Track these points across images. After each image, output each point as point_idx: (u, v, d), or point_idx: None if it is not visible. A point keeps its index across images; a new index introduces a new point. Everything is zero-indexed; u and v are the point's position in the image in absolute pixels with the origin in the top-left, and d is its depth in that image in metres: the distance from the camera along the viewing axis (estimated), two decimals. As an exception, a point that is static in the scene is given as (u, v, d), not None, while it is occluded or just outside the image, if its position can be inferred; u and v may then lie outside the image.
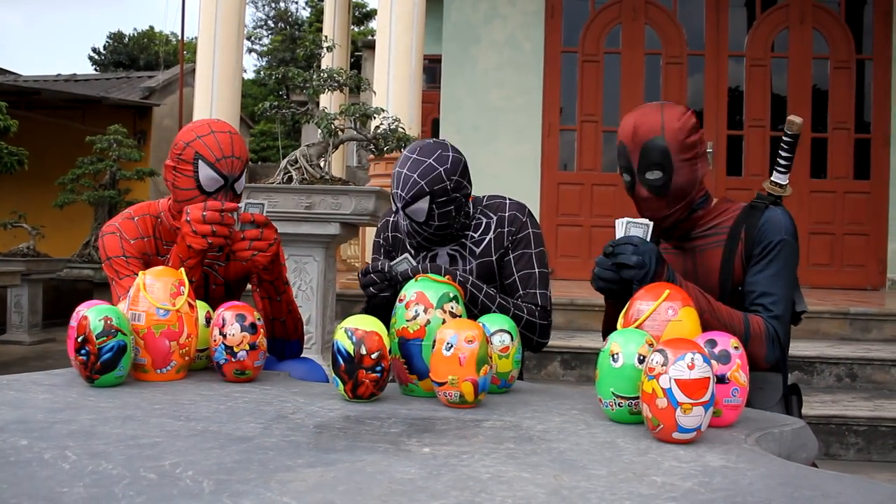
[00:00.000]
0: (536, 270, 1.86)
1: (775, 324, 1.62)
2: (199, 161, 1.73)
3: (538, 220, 1.89)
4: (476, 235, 1.88)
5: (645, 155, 1.65)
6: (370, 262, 1.78)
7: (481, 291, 1.75)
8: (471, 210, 1.90)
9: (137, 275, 1.71)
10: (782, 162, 1.77)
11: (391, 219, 2.00)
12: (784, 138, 1.78)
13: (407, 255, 1.72)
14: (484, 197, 1.94)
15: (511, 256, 1.87)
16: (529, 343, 1.84)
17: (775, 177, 1.77)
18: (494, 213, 1.89)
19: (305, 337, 2.88)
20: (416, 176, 1.77)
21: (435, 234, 1.83)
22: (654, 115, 1.66)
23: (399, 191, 1.79)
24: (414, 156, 1.79)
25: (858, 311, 4.61)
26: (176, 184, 1.77)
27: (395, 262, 1.70)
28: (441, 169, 1.78)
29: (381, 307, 1.73)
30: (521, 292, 1.85)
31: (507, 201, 1.90)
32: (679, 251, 1.76)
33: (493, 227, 1.88)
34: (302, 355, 1.97)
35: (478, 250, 1.87)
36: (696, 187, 1.69)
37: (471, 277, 1.76)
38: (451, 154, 1.82)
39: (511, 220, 1.87)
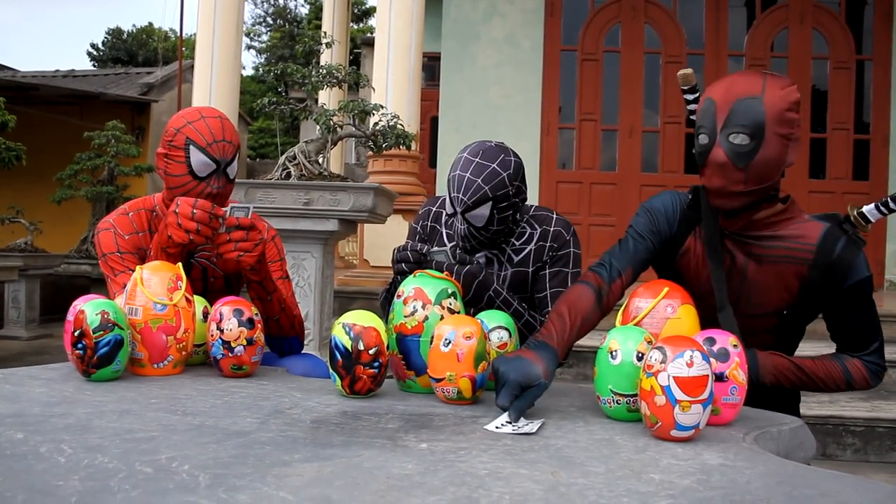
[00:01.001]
0: None
1: (875, 358, 1.55)
2: (191, 146, 1.73)
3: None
4: (517, 244, 1.85)
5: (736, 113, 1.43)
6: (409, 242, 1.76)
7: (510, 307, 1.73)
8: (519, 216, 1.87)
9: (133, 270, 1.71)
10: (893, 206, 1.60)
11: (433, 209, 1.98)
12: None
13: (447, 249, 1.71)
14: (531, 207, 1.90)
15: (547, 272, 1.83)
16: None
17: (869, 211, 1.58)
18: (539, 225, 1.86)
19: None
20: (479, 181, 1.72)
21: (491, 238, 1.81)
22: (756, 78, 1.45)
23: (461, 195, 1.74)
24: (477, 159, 1.74)
25: (856, 311, 4.60)
26: (168, 171, 1.77)
27: (434, 250, 1.69)
28: (505, 174, 1.74)
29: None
30: (548, 309, 1.83)
31: (554, 216, 1.87)
32: (733, 251, 1.57)
33: (535, 239, 1.85)
34: (303, 351, 1.96)
35: (516, 259, 1.84)
36: (778, 173, 1.48)
37: (503, 292, 1.74)
38: (513, 159, 1.78)
39: (555, 235, 1.84)
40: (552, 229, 1.84)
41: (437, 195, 2.07)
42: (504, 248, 1.85)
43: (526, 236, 1.85)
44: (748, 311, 1.57)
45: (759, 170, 1.44)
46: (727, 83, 1.46)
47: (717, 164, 1.45)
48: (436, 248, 1.69)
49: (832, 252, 1.50)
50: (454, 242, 1.88)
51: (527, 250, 1.84)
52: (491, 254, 1.85)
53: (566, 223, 1.87)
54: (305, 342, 3.31)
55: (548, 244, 1.83)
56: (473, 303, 1.69)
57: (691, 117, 1.61)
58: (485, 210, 1.74)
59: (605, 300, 1.52)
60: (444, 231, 1.93)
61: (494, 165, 1.74)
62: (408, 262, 1.67)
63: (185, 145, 1.74)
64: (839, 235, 1.52)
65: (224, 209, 1.64)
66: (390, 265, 1.76)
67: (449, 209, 1.80)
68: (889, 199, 1.60)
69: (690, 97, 1.63)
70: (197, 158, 1.73)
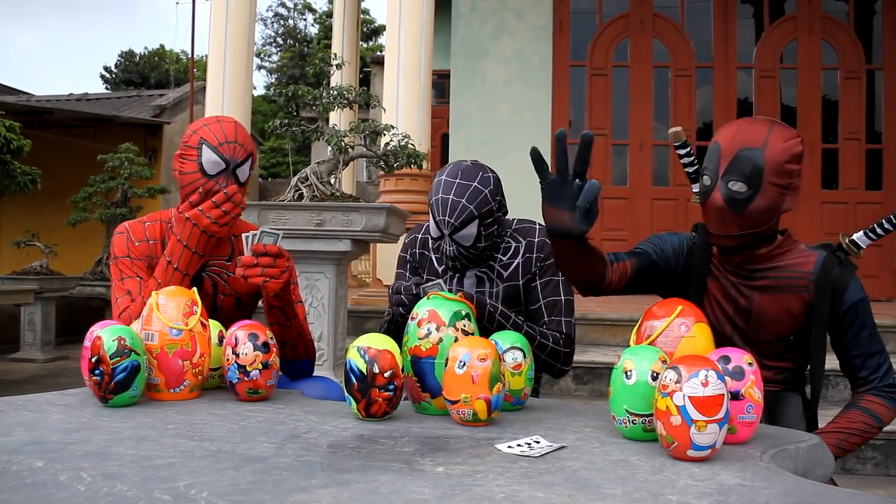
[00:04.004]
0: (563, 298, 1.85)
1: (888, 380, 1.65)
2: (203, 145, 1.81)
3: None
4: (504, 259, 1.87)
5: (737, 162, 1.52)
6: (398, 279, 1.78)
7: (509, 320, 1.74)
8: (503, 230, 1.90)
9: (140, 278, 1.79)
10: (880, 231, 1.68)
11: (419, 236, 2.00)
12: None
13: (440, 281, 1.73)
14: (514, 220, 1.93)
15: (538, 283, 1.86)
16: (552, 370, 1.84)
17: (859, 238, 1.66)
18: (524, 237, 1.89)
19: (317, 353, 2.88)
20: (464, 201, 1.76)
21: (479, 255, 1.83)
22: (762, 128, 1.54)
23: (447, 217, 1.77)
24: (457, 180, 1.78)
25: (872, 322, 4.56)
26: (182, 170, 1.85)
27: (428, 284, 1.72)
28: (486, 191, 1.78)
29: (401, 324, 1.76)
30: (545, 319, 1.85)
31: (537, 226, 1.89)
32: (737, 284, 1.65)
33: (521, 252, 1.87)
34: (315, 373, 1.97)
35: (505, 273, 1.86)
36: (774, 219, 1.57)
37: (500, 307, 1.76)
38: (491, 175, 1.82)
39: (540, 245, 1.86)
40: (537, 240, 1.88)
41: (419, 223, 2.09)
42: (493, 265, 1.87)
43: (512, 250, 1.88)
44: (757, 340, 1.66)
45: (755, 216, 1.54)
46: (735, 130, 1.56)
47: (716, 207, 1.55)
48: (428, 283, 1.72)
49: (829, 275, 1.60)
50: (448, 275, 1.90)
51: (514, 264, 1.87)
52: (480, 272, 1.87)
53: None
54: (319, 362, 3.32)
55: (534, 255, 1.87)
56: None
57: (686, 170, 1.71)
58: (472, 229, 1.78)
59: (610, 265, 1.64)
60: (433, 256, 1.95)
61: (475, 184, 1.78)
62: (404, 305, 1.71)
63: (199, 145, 1.82)
64: (835, 262, 1.62)
65: (254, 232, 1.66)
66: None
67: (435, 232, 1.82)
68: (876, 225, 1.69)
69: (682, 152, 1.70)
70: (208, 157, 1.81)
